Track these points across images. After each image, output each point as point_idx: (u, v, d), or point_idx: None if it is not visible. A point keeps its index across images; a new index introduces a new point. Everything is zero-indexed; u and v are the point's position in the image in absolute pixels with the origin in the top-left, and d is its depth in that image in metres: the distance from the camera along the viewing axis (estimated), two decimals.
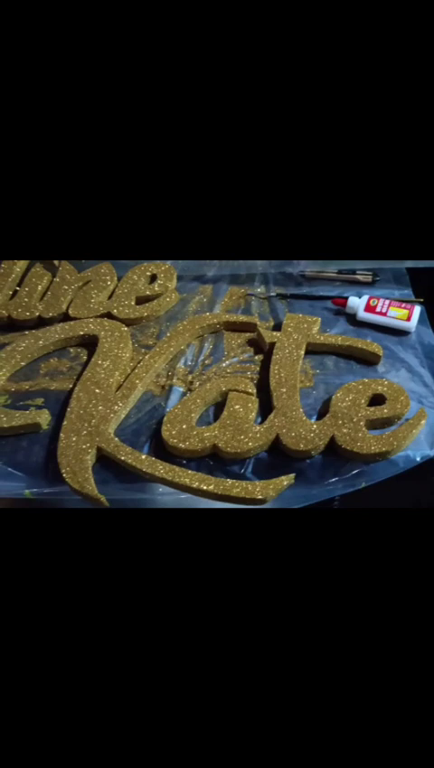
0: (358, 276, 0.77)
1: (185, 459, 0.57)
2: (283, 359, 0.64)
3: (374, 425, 0.57)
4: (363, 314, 0.70)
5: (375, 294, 0.73)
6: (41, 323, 0.72)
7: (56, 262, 0.77)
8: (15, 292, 0.74)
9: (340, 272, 0.77)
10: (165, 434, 0.57)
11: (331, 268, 0.78)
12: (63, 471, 0.55)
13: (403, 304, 0.70)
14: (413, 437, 0.56)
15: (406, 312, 0.69)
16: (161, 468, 0.55)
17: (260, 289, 0.77)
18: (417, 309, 0.70)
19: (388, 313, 0.69)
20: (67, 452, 0.56)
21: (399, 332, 0.69)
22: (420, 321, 0.70)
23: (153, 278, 0.76)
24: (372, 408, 0.58)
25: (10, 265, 0.76)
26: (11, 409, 0.61)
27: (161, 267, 0.76)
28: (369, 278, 0.76)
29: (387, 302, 0.70)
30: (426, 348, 0.67)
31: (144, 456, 0.56)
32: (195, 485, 0.54)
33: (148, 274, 0.76)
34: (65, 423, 0.58)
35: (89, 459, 0.56)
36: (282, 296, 0.75)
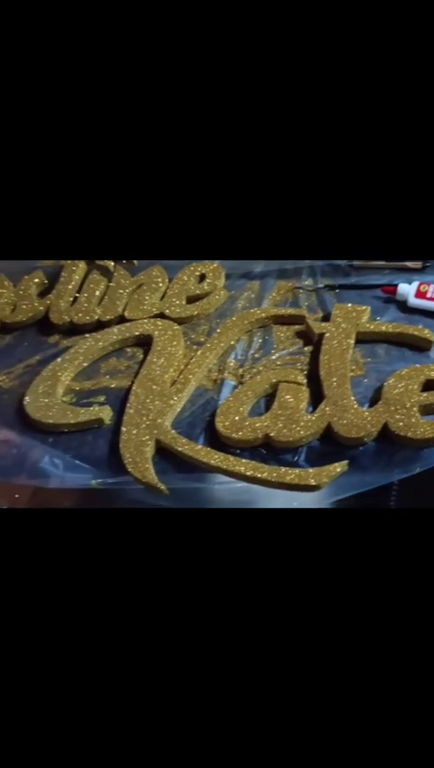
0: (407, 263, 0.76)
1: (239, 449, 0.59)
2: (332, 348, 0.64)
3: (428, 410, 0.57)
4: (413, 301, 0.69)
5: (427, 280, 0.72)
6: (100, 326, 0.76)
7: (111, 267, 0.81)
8: (76, 298, 0.79)
9: (388, 260, 0.77)
10: (218, 425, 0.59)
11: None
12: (126, 462, 0.58)
13: None
14: None
15: None
16: (216, 457, 0.57)
17: (308, 282, 0.78)
18: None
19: None
20: (128, 444, 0.59)
21: None
22: None
23: (202, 278, 0.78)
24: (425, 394, 0.58)
25: (70, 273, 0.81)
26: (76, 407, 0.65)
27: (209, 267, 0.78)
28: (419, 265, 0.75)
29: None
30: None
31: (199, 447, 0.58)
32: (250, 473, 0.55)
33: (198, 274, 0.78)
34: (125, 417, 0.62)
35: (149, 450, 0.59)
36: (330, 287, 0.76)
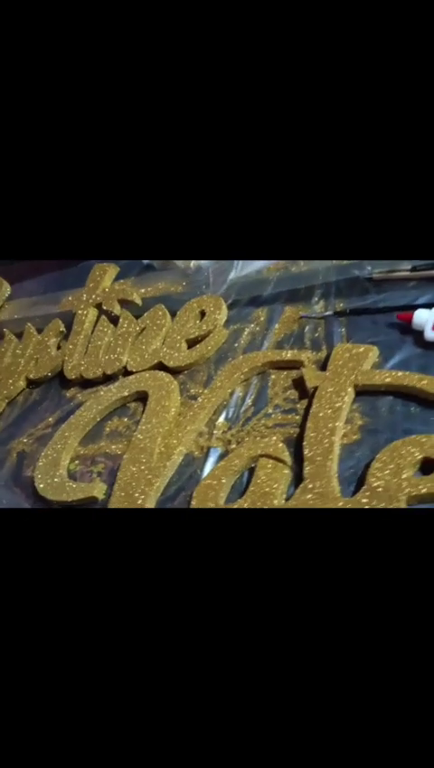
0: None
1: None
2: (321, 409, 0.55)
3: (423, 500, 0.47)
4: (430, 334, 0.56)
5: None
6: (107, 378, 0.75)
7: (118, 310, 0.79)
8: (87, 349, 0.78)
9: (414, 269, 0.62)
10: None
11: (404, 265, 0.63)
12: None
13: None
14: None
15: None
16: None
17: (319, 305, 0.67)
18: None
19: None
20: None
21: None
22: None
23: (202, 314, 0.72)
24: (420, 480, 0.47)
25: (81, 322, 0.80)
26: (74, 483, 0.66)
27: (209, 301, 0.71)
28: None
29: None
30: None
31: None
32: None
33: (198, 311, 0.72)
34: (112, 499, 0.62)
35: None
36: (339, 314, 0.64)
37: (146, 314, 0.76)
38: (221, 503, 0.55)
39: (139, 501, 0.59)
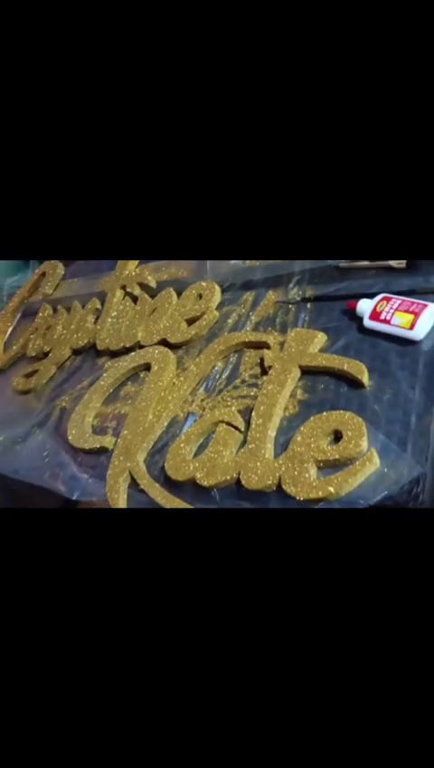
0: (391, 263, 0.67)
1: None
2: (270, 384, 0.66)
3: (327, 465, 0.57)
4: (368, 323, 0.63)
5: (404, 285, 0.64)
6: (126, 350, 0.90)
7: (136, 292, 0.93)
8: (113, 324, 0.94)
9: (373, 259, 0.69)
10: (167, 463, 0.70)
11: None
12: (108, 488, 0.75)
13: (413, 306, 0.60)
14: (352, 485, 0.54)
15: (410, 318, 0.59)
16: (161, 496, 0.69)
17: (294, 291, 0.76)
18: (429, 311, 0.59)
19: (392, 321, 0.61)
20: (113, 473, 0.76)
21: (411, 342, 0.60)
22: None
23: (200, 297, 0.83)
24: (328, 448, 0.57)
25: (110, 299, 0.96)
26: (93, 435, 0.83)
27: (204, 286, 0.83)
28: (403, 264, 0.66)
29: (397, 303, 0.61)
30: (429, 367, 0.57)
31: (157, 486, 0.70)
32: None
33: (196, 294, 0.84)
34: (115, 451, 0.77)
35: (123, 481, 0.74)
36: (307, 300, 0.73)
37: (157, 297, 0.89)
38: (189, 457, 0.69)
39: (136, 454, 0.75)
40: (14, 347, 1.11)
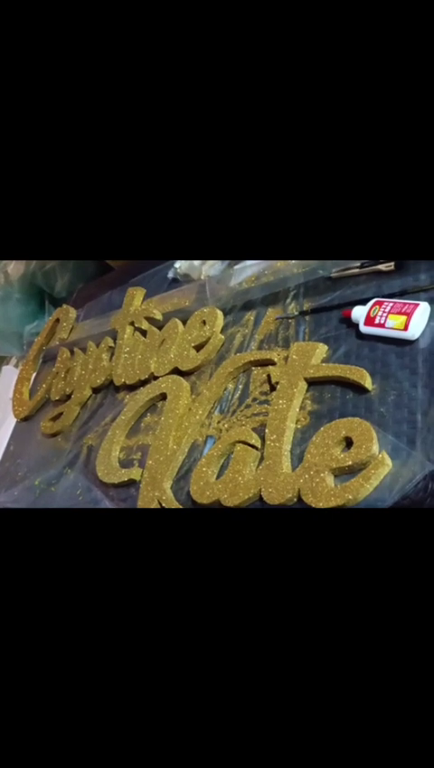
0: (380, 267, 0.69)
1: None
2: (279, 399, 0.68)
3: (342, 472, 0.59)
4: (364, 329, 0.65)
5: (395, 287, 0.66)
6: (142, 383, 0.93)
7: (144, 326, 0.96)
8: (126, 359, 0.98)
9: (362, 265, 0.71)
10: (191, 489, 0.72)
11: (355, 262, 0.72)
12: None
13: (405, 307, 0.61)
14: (368, 489, 0.55)
15: (403, 319, 0.61)
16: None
17: (292, 306, 0.78)
18: (421, 310, 0.60)
19: (386, 324, 0.62)
20: (144, 501, 0.79)
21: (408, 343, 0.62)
22: None
23: (204, 323, 0.87)
24: (341, 456, 0.59)
25: (121, 335, 1.00)
26: (120, 468, 0.86)
27: (205, 312, 0.86)
28: (391, 266, 0.68)
29: (389, 306, 0.63)
30: (428, 363, 0.59)
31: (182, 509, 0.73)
32: None
33: (200, 320, 0.87)
34: (142, 484, 0.80)
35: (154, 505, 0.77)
36: (304, 313, 0.75)
37: (164, 328, 0.92)
38: (212, 480, 0.71)
39: (162, 483, 0.78)
40: (39, 393, 1.17)
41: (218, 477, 0.71)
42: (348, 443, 0.60)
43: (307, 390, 0.68)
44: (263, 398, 0.73)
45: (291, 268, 0.80)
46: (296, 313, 0.76)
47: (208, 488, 0.70)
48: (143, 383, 0.93)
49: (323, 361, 0.68)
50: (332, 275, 0.74)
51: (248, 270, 0.87)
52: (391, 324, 0.62)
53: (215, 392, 0.79)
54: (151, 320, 0.97)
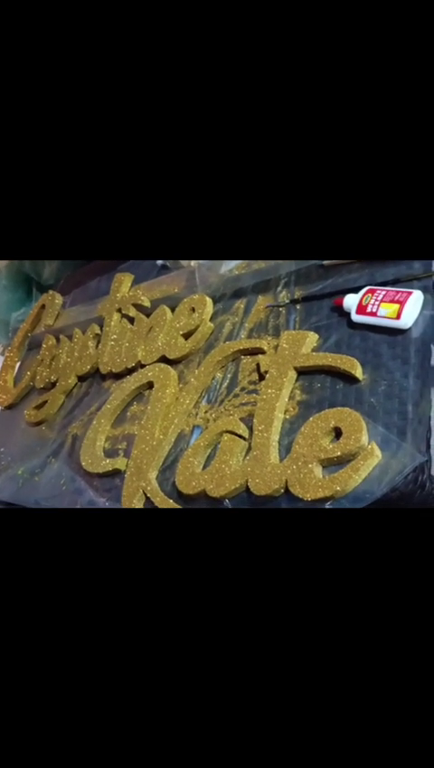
0: None
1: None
2: (268, 388, 0.67)
3: (330, 463, 0.57)
4: (355, 317, 0.63)
5: (388, 275, 0.64)
6: (129, 371, 0.91)
7: (132, 313, 0.94)
8: (113, 347, 0.95)
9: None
10: (177, 479, 0.71)
11: None
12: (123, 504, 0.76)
13: (398, 295, 0.60)
14: (357, 481, 0.54)
15: (396, 307, 0.59)
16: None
17: (283, 294, 0.76)
18: (414, 298, 0.59)
19: (378, 312, 0.61)
20: (128, 491, 0.77)
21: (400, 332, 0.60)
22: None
23: (193, 310, 0.85)
24: (330, 446, 0.58)
25: (108, 323, 0.97)
26: (105, 457, 0.84)
27: (196, 300, 0.84)
28: None
29: (382, 294, 0.61)
30: (420, 353, 0.57)
31: (170, 501, 0.71)
32: None
33: (189, 308, 0.85)
34: (127, 472, 0.78)
35: (137, 500, 0.75)
36: (295, 302, 0.73)
37: (152, 315, 0.90)
38: (198, 470, 0.69)
39: (147, 473, 0.76)
40: (23, 380, 1.14)
41: (204, 467, 0.70)
42: (337, 433, 0.58)
43: (297, 380, 0.67)
44: (252, 387, 0.72)
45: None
46: (287, 301, 0.74)
47: (194, 478, 0.69)
48: (129, 371, 0.91)
49: (313, 350, 0.67)
50: (324, 262, 0.73)
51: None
52: (384, 313, 0.60)
53: (203, 381, 0.78)
54: (139, 307, 0.94)
